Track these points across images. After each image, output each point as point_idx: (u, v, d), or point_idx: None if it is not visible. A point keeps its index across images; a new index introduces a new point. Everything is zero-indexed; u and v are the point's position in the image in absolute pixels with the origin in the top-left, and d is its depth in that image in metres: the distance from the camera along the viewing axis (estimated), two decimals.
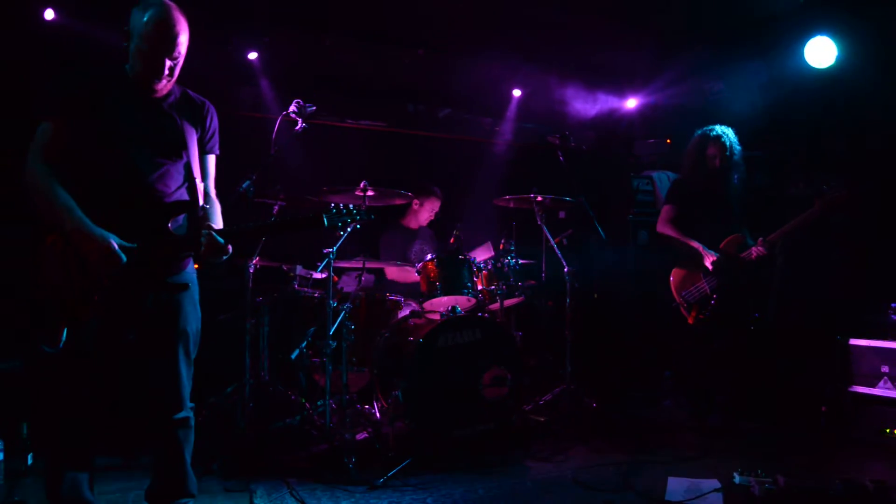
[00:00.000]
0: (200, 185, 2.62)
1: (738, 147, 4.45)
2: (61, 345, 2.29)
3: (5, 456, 3.29)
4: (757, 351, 4.45)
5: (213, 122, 2.74)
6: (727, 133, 4.43)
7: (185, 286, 2.55)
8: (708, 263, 4.27)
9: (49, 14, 4.45)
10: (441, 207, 5.62)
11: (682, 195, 4.53)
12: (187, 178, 2.60)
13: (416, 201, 5.39)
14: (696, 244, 4.37)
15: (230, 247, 2.46)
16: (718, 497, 3.24)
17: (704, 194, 4.42)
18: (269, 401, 4.25)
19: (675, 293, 4.43)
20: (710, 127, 4.49)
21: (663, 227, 4.54)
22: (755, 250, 4.18)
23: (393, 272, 5.25)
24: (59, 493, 2.46)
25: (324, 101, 4.37)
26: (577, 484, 3.46)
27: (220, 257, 2.46)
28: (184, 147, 2.57)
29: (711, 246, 4.31)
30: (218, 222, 2.65)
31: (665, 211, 4.58)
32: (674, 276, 4.47)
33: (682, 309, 4.39)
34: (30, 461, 3.39)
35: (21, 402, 3.48)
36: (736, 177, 4.44)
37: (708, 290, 4.29)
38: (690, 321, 4.35)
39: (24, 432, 3.43)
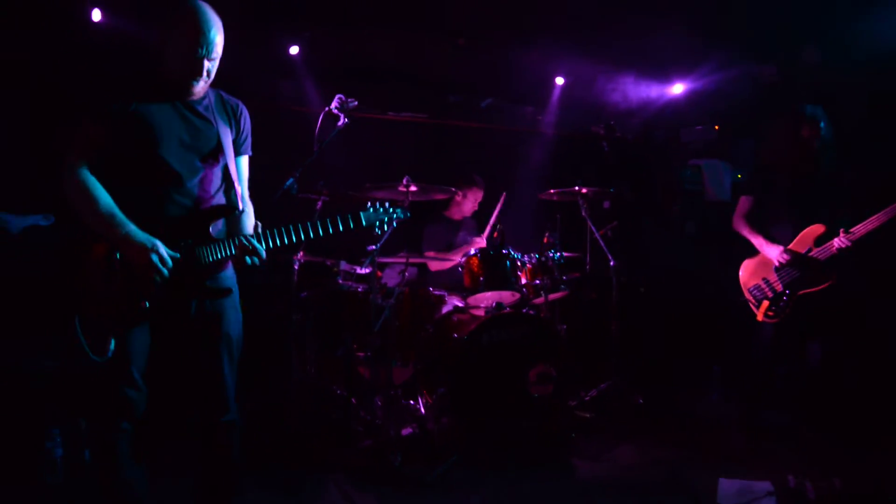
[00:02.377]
0: (239, 189, 2.63)
1: (830, 125, 4.10)
2: (109, 354, 2.32)
3: (64, 451, 3.37)
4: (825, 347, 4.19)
5: (247, 124, 2.74)
6: (819, 111, 4.08)
7: (229, 291, 2.57)
8: (774, 259, 4.00)
9: (97, 15, 4.50)
10: (484, 197, 5.58)
11: (766, 184, 4.20)
12: (224, 181, 2.62)
13: (458, 193, 5.36)
14: (758, 240, 4.10)
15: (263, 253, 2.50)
16: (772, 501, 3.17)
17: (794, 182, 4.11)
18: (315, 396, 4.29)
19: (743, 287, 4.19)
20: (802, 105, 4.12)
21: (737, 223, 4.27)
22: (837, 242, 3.80)
23: (435, 264, 5.24)
24: (113, 492, 2.52)
25: (365, 94, 4.34)
26: (625, 485, 3.43)
27: (257, 263, 2.49)
28: (221, 150, 2.58)
29: (795, 234, 4.01)
30: (249, 225, 2.67)
31: (742, 202, 4.29)
32: (743, 270, 4.21)
33: (751, 305, 4.15)
34: (87, 457, 3.47)
35: (77, 399, 3.56)
36: (829, 159, 4.10)
37: (781, 287, 4.01)
38: (760, 317, 4.07)
39: (82, 427, 3.50)
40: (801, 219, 4.05)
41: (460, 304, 4.50)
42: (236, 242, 2.50)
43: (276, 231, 2.56)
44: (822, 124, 4.06)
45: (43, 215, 3.72)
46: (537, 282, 4.49)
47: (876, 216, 3.72)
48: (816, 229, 3.97)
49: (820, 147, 4.06)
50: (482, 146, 6.40)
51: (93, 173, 2.39)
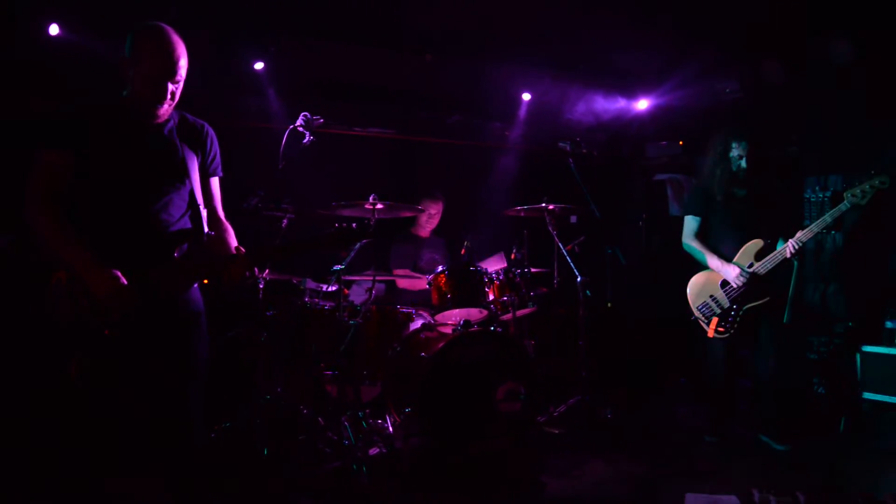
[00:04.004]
0: (204, 212, 2.59)
1: (762, 145, 4.26)
2: (74, 382, 2.26)
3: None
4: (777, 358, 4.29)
5: (214, 145, 2.70)
6: (751, 132, 4.22)
7: (198, 315, 2.54)
8: (733, 280, 4.13)
9: (54, 29, 4.41)
10: (447, 212, 5.57)
11: (704, 203, 4.33)
12: (190, 205, 2.58)
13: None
14: (715, 262, 4.21)
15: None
16: None
17: (727, 199, 4.25)
18: (282, 416, 4.21)
19: (691, 306, 4.31)
20: (733, 127, 4.28)
21: (689, 241, 4.36)
22: (792, 244, 3.97)
23: (404, 281, 5.22)
24: None
25: (331, 109, 4.34)
26: (595, 501, 3.42)
27: (245, 282, 2.49)
28: (186, 174, 2.54)
29: (737, 251, 4.17)
30: (233, 244, 2.63)
31: (688, 222, 4.40)
32: (690, 288, 4.32)
33: (700, 322, 4.28)
34: None
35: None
36: (759, 178, 4.25)
37: (728, 302, 4.15)
38: (710, 334, 4.19)
39: None
40: (741, 235, 4.20)
41: (428, 322, 4.48)
42: (213, 262, 2.46)
43: (250, 250, 2.53)
44: (752, 144, 4.18)
45: (3, 236, 3.61)
46: (505, 298, 4.50)
47: (815, 223, 3.95)
48: (756, 244, 4.15)
49: (750, 167, 4.19)
50: (449, 162, 6.40)
51: (56, 200, 2.35)
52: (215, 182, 2.74)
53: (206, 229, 2.59)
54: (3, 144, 4.26)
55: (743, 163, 4.18)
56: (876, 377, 4.39)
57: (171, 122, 2.56)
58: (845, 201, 3.90)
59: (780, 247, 4.10)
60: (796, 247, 3.99)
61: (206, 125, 2.69)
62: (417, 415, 3.83)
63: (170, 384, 2.50)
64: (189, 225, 2.57)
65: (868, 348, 4.45)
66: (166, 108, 2.48)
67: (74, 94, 2.53)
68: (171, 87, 2.41)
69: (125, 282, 2.29)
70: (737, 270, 4.11)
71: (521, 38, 5.54)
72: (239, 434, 4.07)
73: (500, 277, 4.54)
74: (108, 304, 2.28)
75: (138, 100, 2.43)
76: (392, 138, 6.16)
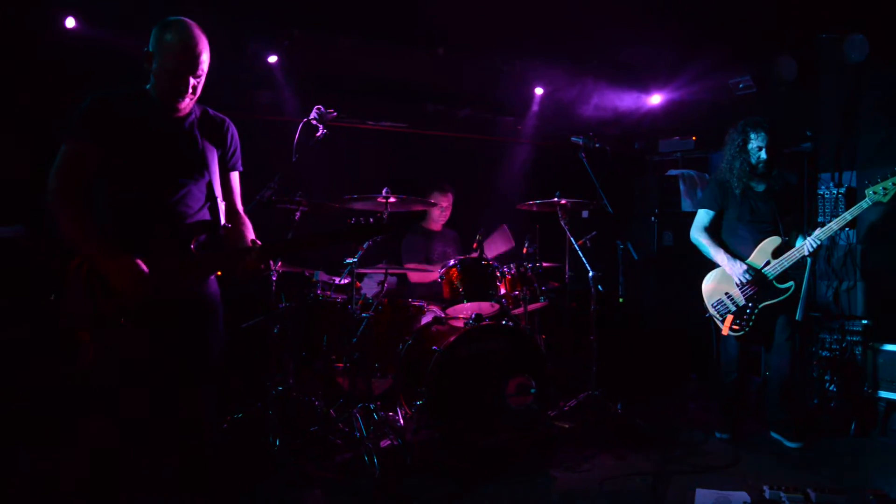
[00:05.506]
0: (222, 205, 2.62)
1: (779, 139, 4.24)
2: (88, 370, 2.29)
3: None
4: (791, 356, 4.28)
5: (235, 140, 2.73)
6: (769, 124, 4.19)
7: (215, 311, 2.56)
8: (736, 278, 4.12)
9: (70, 22, 4.45)
10: (459, 206, 5.56)
11: (721, 197, 4.31)
12: (209, 198, 2.60)
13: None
14: (721, 257, 4.20)
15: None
16: None
17: (745, 194, 4.24)
18: (293, 408, 4.25)
19: (706, 303, 4.29)
20: (751, 119, 4.25)
21: (698, 234, 4.35)
22: (810, 242, 3.98)
23: (415, 274, 5.23)
24: None
25: (344, 103, 4.33)
26: (604, 496, 3.43)
27: (259, 275, 2.48)
28: (205, 166, 2.57)
29: (754, 247, 4.16)
30: (250, 239, 2.64)
31: (700, 215, 4.38)
32: (705, 285, 4.31)
33: (714, 319, 4.26)
34: None
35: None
36: (776, 171, 4.24)
37: (743, 301, 4.14)
38: (725, 332, 4.18)
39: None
40: (759, 231, 4.19)
41: (440, 315, 4.49)
42: (235, 254, 2.48)
43: (272, 243, 2.56)
44: (770, 137, 4.16)
45: (13, 227, 3.65)
46: (516, 292, 4.50)
47: (835, 221, 3.98)
48: (773, 242, 4.13)
49: (769, 160, 4.17)
50: (461, 156, 6.39)
51: (79, 190, 2.39)
52: (235, 176, 2.77)
53: (222, 222, 2.61)
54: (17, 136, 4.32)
55: (763, 154, 4.16)
56: (893, 376, 4.37)
57: (193, 115, 2.59)
58: (866, 198, 3.89)
59: (798, 244, 4.08)
60: (815, 245, 3.98)
61: (228, 120, 2.72)
62: (428, 408, 3.84)
63: (183, 380, 2.52)
64: (207, 217, 2.59)
65: (886, 346, 4.43)
66: (187, 102, 2.50)
67: (96, 85, 2.55)
68: (192, 81, 2.44)
69: (145, 269, 2.32)
70: (743, 268, 4.10)
71: (533, 32, 5.53)
72: (250, 426, 4.10)
73: (512, 271, 4.54)
74: (126, 292, 2.30)
75: (160, 93, 2.47)
76: (404, 132, 6.16)
